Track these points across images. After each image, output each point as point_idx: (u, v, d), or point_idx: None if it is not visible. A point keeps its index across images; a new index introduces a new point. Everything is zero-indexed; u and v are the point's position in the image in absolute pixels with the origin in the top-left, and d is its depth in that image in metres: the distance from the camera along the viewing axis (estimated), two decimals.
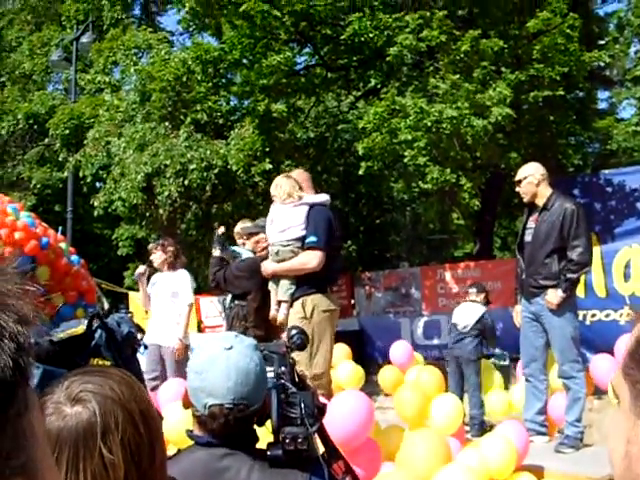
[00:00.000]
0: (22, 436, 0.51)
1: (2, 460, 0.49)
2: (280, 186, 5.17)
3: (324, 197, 5.28)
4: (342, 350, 9.30)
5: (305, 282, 5.02)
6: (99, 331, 2.89)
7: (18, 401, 0.50)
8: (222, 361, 1.96)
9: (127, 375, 1.31)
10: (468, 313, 7.79)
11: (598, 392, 7.85)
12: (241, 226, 6.72)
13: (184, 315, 7.24)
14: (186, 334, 7.29)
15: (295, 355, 4.71)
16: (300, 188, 5.20)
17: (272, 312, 5.16)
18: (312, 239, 5.00)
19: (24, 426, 0.52)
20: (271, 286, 5.21)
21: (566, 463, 5.47)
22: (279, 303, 5.11)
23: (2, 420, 0.49)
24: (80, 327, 3.09)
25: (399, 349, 8.56)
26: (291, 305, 5.02)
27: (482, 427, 7.14)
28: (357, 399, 4.66)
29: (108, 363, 2.92)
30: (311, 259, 4.99)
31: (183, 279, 7.38)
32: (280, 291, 5.07)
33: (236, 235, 6.89)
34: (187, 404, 2.02)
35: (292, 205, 5.08)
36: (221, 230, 6.73)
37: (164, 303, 7.30)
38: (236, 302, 6.22)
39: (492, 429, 6.33)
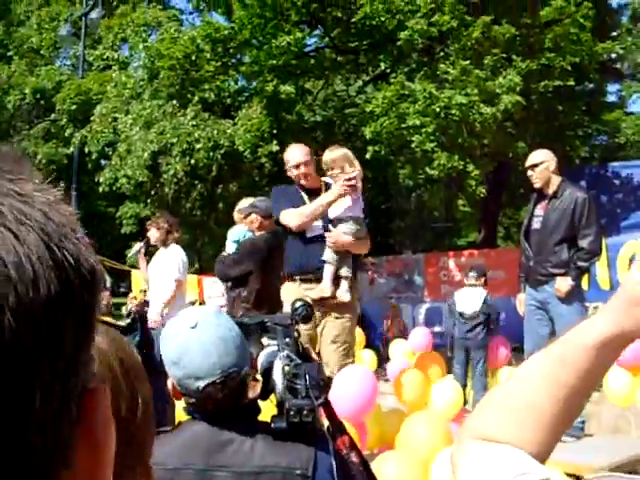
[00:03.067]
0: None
1: (87, 352, 0.52)
2: (352, 160, 5.05)
3: None
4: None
5: (353, 261, 4.98)
6: (137, 332, 2.86)
7: (98, 303, 0.53)
8: (194, 342, 1.86)
9: (112, 330, 1.22)
10: (472, 299, 7.77)
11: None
12: (239, 207, 6.62)
13: (169, 291, 7.00)
14: (169, 310, 7.00)
15: (351, 331, 4.73)
16: None
17: (329, 289, 4.78)
18: (367, 221, 5.06)
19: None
20: (333, 258, 4.86)
21: (567, 452, 5.43)
22: (338, 279, 4.85)
23: (92, 311, 0.52)
24: (123, 321, 3.11)
25: (418, 335, 8.57)
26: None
27: None
28: (362, 375, 4.67)
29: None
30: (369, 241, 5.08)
31: (171, 255, 7.23)
32: (346, 269, 4.87)
33: (236, 215, 6.76)
34: (179, 396, 1.97)
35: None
36: None
37: (157, 281, 7.19)
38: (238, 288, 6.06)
39: None
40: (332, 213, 4.91)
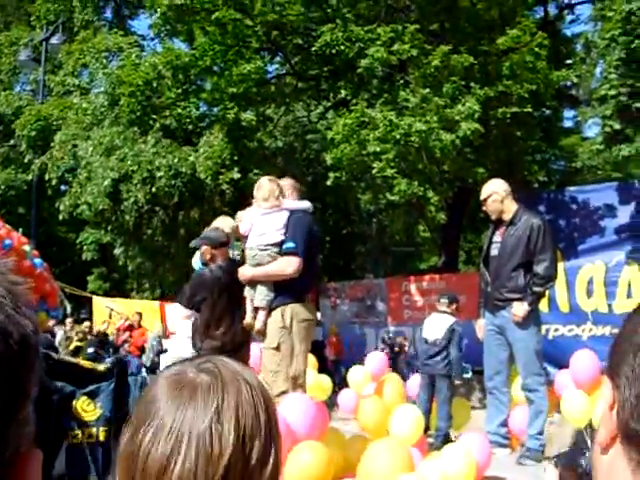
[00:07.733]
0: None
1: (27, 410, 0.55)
2: (259, 188, 5.04)
3: (306, 204, 5.18)
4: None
5: (284, 290, 4.89)
6: (114, 379, 2.84)
7: (32, 372, 0.55)
8: None
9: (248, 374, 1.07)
10: (437, 325, 7.76)
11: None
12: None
13: None
14: None
15: (275, 361, 4.73)
16: (281, 194, 5.05)
17: (248, 319, 4.96)
18: (290, 245, 4.88)
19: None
20: (248, 292, 5.01)
21: (528, 475, 5.49)
22: (256, 310, 4.94)
23: (22, 380, 0.54)
24: (103, 366, 3.08)
25: (374, 359, 8.52)
26: (269, 313, 4.90)
27: (446, 439, 7.15)
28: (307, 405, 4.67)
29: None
30: (288, 265, 4.87)
31: None
32: (257, 297, 4.92)
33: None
34: None
35: (273, 210, 4.97)
36: None
37: None
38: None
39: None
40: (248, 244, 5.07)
